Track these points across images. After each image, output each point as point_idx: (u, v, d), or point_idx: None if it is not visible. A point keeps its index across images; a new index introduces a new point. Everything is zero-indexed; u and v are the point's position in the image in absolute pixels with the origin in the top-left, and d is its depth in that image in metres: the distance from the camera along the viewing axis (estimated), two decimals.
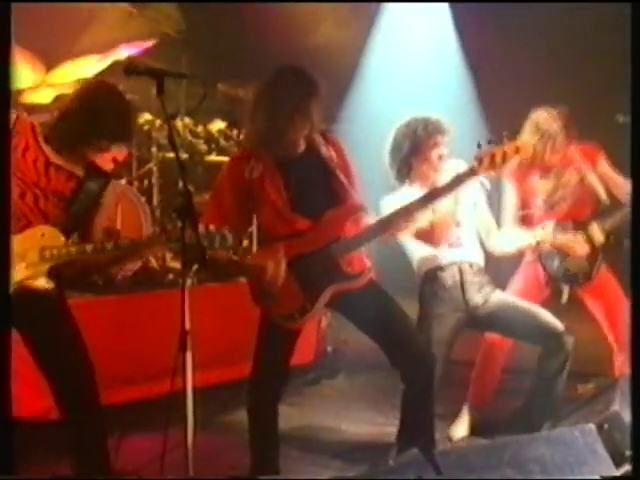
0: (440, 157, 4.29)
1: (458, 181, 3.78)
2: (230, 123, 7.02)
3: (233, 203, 3.70)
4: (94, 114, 3.38)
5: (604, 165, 4.78)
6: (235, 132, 6.93)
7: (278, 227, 3.70)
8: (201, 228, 3.19)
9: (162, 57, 5.96)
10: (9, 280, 3.15)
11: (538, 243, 4.58)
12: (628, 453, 3.50)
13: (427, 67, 7.99)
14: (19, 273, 3.34)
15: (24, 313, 3.35)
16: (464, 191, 4.11)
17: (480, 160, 3.72)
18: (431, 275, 4.39)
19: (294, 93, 3.59)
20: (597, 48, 7.32)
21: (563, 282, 4.74)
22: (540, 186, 4.78)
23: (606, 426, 3.57)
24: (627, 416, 3.66)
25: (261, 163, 3.67)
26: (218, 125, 6.94)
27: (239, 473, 3.92)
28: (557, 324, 4.31)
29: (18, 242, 3.33)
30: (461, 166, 4.05)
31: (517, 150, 3.74)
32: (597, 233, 4.66)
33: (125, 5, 6.50)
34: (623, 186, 4.64)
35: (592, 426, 3.40)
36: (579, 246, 4.63)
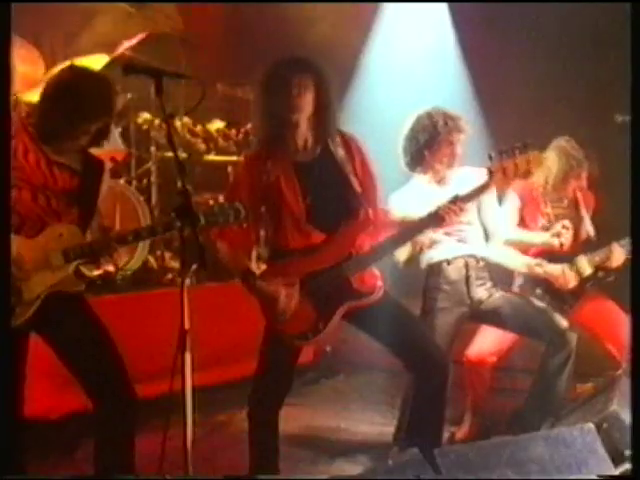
0: (454, 155, 4.30)
1: (470, 197, 3.74)
2: (229, 123, 7.01)
3: (249, 207, 3.56)
4: (68, 96, 3.35)
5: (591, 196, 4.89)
6: (234, 132, 6.93)
7: (292, 238, 3.63)
8: (213, 202, 3.20)
9: (160, 56, 5.95)
10: (9, 280, 3.15)
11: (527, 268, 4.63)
12: (627, 452, 3.50)
13: (426, 67, 7.97)
14: (47, 279, 3.33)
15: (54, 317, 3.37)
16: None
17: (492, 174, 3.70)
18: (436, 268, 4.38)
19: (298, 83, 3.54)
20: (597, 48, 7.31)
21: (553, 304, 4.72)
22: (545, 210, 4.79)
23: (605, 425, 3.57)
24: (626, 415, 3.66)
25: (278, 164, 3.61)
26: (217, 125, 6.93)
27: (238, 473, 3.91)
28: (561, 321, 4.33)
29: (38, 246, 3.33)
30: (469, 173, 4.11)
31: (528, 163, 3.72)
32: (585, 266, 4.67)
33: (124, 5, 6.48)
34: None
35: (591, 426, 3.40)
36: (568, 278, 4.63)
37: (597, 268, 4.69)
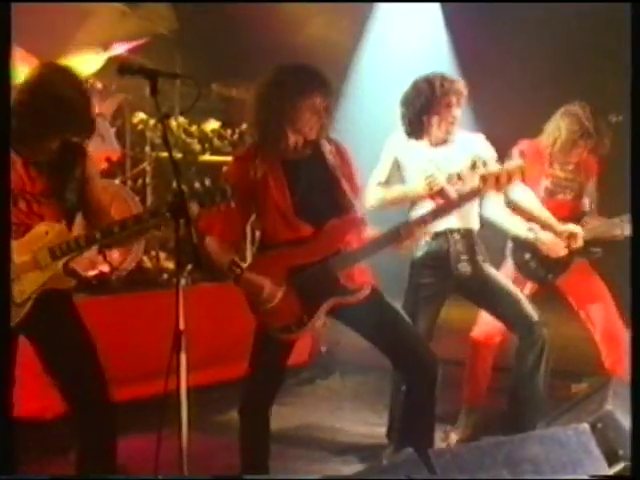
0: (453, 118, 4.29)
1: (461, 200, 3.80)
2: (224, 123, 7.02)
3: (238, 205, 3.60)
4: (41, 94, 3.33)
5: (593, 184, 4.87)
6: (229, 132, 6.93)
7: (280, 231, 3.65)
8: (198, 185, 3.18)
9: (155, 57, 5.95)
10: (9, 281, 3.14)
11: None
12: (621, 452, 3.51)
13: (419, 67, 7.98)
14: (37, 279, 3.32)
15: (41, 318, 3.35)
16: (463, 150, 4.21)
17: (485, 180, 3.72)
18: (421, 245, 4.36)
19: (300, 89, 3.57)
20: (591, 49, 7.34)
21: (534, 277, 4.77)
22: (548, 171, 4.79)
23: (600, 425, 3.58)
24: (620, 415, 3.67)
25: (266, 162, 3.64)
26: (212, 125, 6.94)
27: (233, 473, 3.92)
28: (533, 314, 4.29)
29: (23, 246, 3.31)
30: (467, 137, 4.21)
31: (522, 171, 3.75)
32: (578, 238, 4.66)
33: (118, 5, 6.48)
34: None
35: (586, 425, 3.40)
36: (558, 247, 4.63)
37: (588, 242, 4.67)
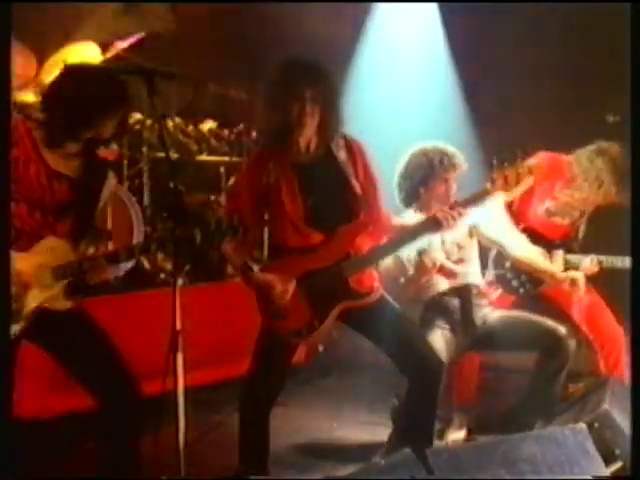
0: (449, 192, 4.28)
1: (470, 201, 3.74)
2: (221, 123, 7.01)
3: (250, 207, 3.65)
4: (75, 95, 3.28)
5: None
6: (226, 132, 6.93)
7: (291, 239, 3.64)
8: (212, 221, 3.18)
9: (153, 56, 5.94)
10: (9, 281, 3.13)
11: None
12: (618, 451, 3.52)
13: (417, 67, 7.98)
14: (36, 298, 3.31)
15: (47, 332, 3.35)
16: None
17: (493, 181, 3.69)
18: (432, 302, 4.38)
19: (310, 88, 3.54)
20: (589, 49, 7.32)
21: (505, 288, 4.76)
22: (557, 194, 4.79)
23: (596, 425, 3.59)
24: (617, 415, 3.68)
25: (279, 166, 3.62)
26: (209, 125, 6.93)
27: (231, 473, 3.91)
28: (559, 328, 4.32)
29: (28, 260, 3.30)
30: None
31: (530, 171, 3.72)
32: (580, 284, 4.58)
33: (116, 5, 6.48)
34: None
35: (583, 425, 3.41)
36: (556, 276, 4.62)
37: (567, 269, 4.65)
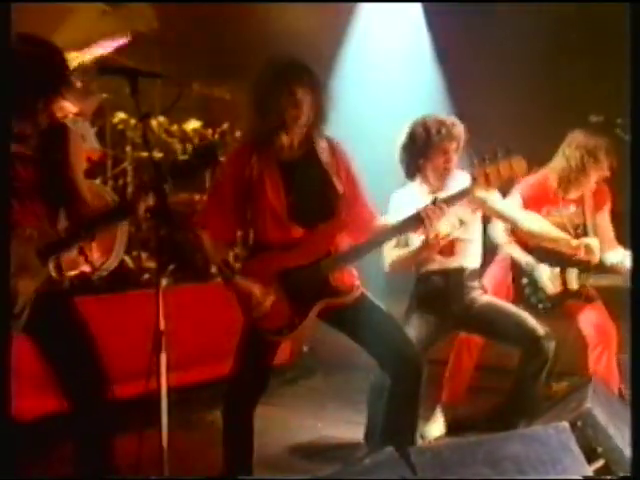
0: (447, 165, 4.28)
1: (453, 199, 3.73)
2: (205, 122, 7.01)
3: (232, 201, 3.66)
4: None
5: (605, 216, 4.84)
6: (210, 131, 6.92)
7: (272, 232, 3.64)
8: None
9: (136, 56, 5.93)
10: (9, 281, 3.12)
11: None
12: (600, 450, 3.54)
13: (401, 67, 7.99)
14: (29, 286, 3.28)
15: (42, 317, 3.33)
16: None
17: (474, 179, 3.69)
18: (423, 278, 4.41)
19: (299, 88, 3.54)
20: (571, 49, 7.35)
21: (523, 303, 4.76)
22: (554, 211, 4.79)
23: (579, 423, 3.61)
24: (599, 413, 3.70)
25: (262, 162, 3.63)
26: (193, 124, 6.92)
27: (214, 473, 3.91)
28: (538, 329, 4.32)
29: (14, 250, 3.24)
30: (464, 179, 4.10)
31: (511, 168, 3.72)
32: (574, 280, 4.69)
33: (98, 4, 6.46)
34: (613, 250, 4.74)
35: (566, 424, 3.42)
36: (555, 285, 4.65)
37: (583, 285, 4.70)
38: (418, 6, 8.07)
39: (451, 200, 3.72)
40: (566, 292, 4.74)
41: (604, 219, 4.85)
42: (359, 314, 3.69)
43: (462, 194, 3.74)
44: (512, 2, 7.18)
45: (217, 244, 3.70)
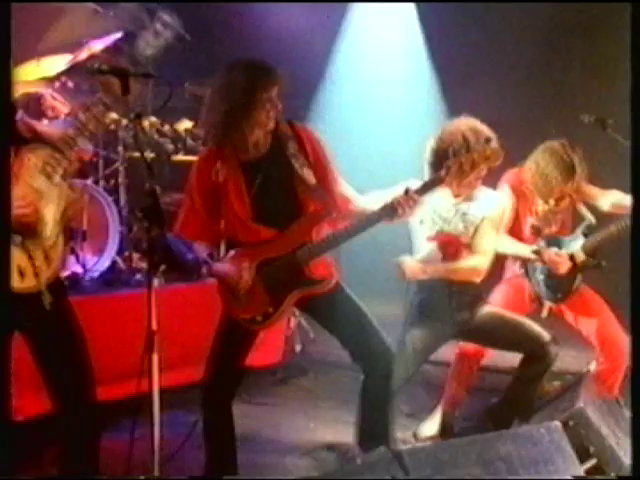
0: (478, 176, 4.15)
1: (425, 189, 3.69)
2: (197, 122, 6.98)
3: (203, 205, 3.71)
4: None
5: (586, 187, 4.80)
6: (202, 131, 6.89)
7: (241, 236, 3.70)
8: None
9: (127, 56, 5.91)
10: (9, 281, 3.10)
11: (536, 253, 4.63)
12: (592, 449, 3.55)
13: (394, 67, 8.01)
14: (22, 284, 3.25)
15: (26, 313, 3.30)
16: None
17: (448, 168, 3.67)
18: (426, 286, 4.35)
19: (248, 84, 3.53)
20: (564, 49, 7.38)
21: (545, 297, 4.77)
22: (536, 207, 4.79)
23: (571, 423, 3.62)
24: (591, 413, 3.70)
25: (226, 165, 3.65)
26: (185, 124, 6.90)
27: (205, 473, 3.91)
28: (544, 334, 4.32)
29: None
30: (488, 193, 4.16)
31: (487, 158, 3.71)
32: (578, 252, 4.67)
33: (91, 4, 6.44)
34: (603, 196, 4.71)
35: (558, 423, 3.43)
36: (563, 263, 4.65)
37: (588, 254, 4.66)
38: (411, 6, 8.09)
39: (423, 190, 3.68)
40: (574, 270, 4.68)
41: (590, 189, 4.81)
42: (333, 304, 3.72)
43: (433, 183, 3.71)
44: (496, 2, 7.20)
45: (197, 245, 3.74)
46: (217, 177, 3.64)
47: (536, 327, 4.36)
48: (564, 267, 4.62)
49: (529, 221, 4.78)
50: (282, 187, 3.68)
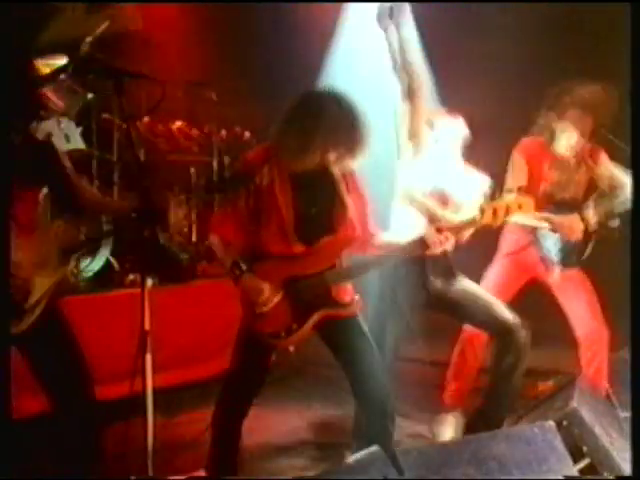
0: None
1: (459, 229, 3.80)
2: (190, 122, 6.99)
3: (243, 207, 3.65)
4: None
5: (606, 161, 4.84)
6: (195, 131, 6.91)
7: (275, 245, 3.63)
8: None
9: (121, 56, 5.91)
10: (9, 282, 3.10)
11: (546, 220, 4.63)
12: (586, 449, 3.55)
13: (389, 68, 8.00)
14: (45, 284, 3.27)
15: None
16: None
17: (483, 211, 3.73)
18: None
19: (335, 123, 3.55)
20: (557, 48, 7.38)
21: (556, 263, 4.74)
22: (548, 175, 4.79)
23: (565, 423, 3.62)
24: (585, 413, 3.71)
25: (274, 171, 3.62)
26: (179, 124, 6.91)
27: (198, 473, 3.91)
28: (510, 319, 4.30)
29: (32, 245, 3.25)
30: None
31: (519, 207, 3.76)
32: (591, 216, 4.66)
33: (85, 4, 6.44)
34: (623, 178, 4.71)
35: (551, 423, 3.43)
36: (576, 227, 4.64)
37: (601, 219, 4.68)
38: (406, 6, 8.08)
39: (456, 229, 3.79)
40: (587, 234, 4.69)
41: (606, 169, 4.84)
42: (345, 329, 3.72)
43: (468, 225, 3.82)
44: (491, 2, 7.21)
45: (227, 247, 3.68)
46: (261, 180, 3.61)
47: (506, 312, 4.34)
48: (576, 232, 4.63)
49: (542, 187, 4.77)
50: (323, 205, 3.68)
